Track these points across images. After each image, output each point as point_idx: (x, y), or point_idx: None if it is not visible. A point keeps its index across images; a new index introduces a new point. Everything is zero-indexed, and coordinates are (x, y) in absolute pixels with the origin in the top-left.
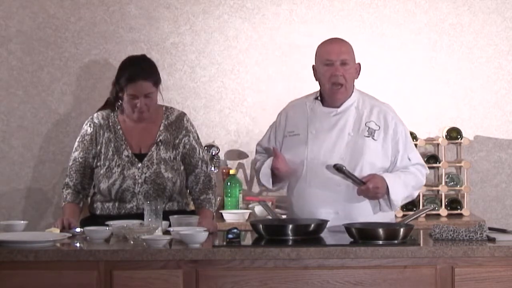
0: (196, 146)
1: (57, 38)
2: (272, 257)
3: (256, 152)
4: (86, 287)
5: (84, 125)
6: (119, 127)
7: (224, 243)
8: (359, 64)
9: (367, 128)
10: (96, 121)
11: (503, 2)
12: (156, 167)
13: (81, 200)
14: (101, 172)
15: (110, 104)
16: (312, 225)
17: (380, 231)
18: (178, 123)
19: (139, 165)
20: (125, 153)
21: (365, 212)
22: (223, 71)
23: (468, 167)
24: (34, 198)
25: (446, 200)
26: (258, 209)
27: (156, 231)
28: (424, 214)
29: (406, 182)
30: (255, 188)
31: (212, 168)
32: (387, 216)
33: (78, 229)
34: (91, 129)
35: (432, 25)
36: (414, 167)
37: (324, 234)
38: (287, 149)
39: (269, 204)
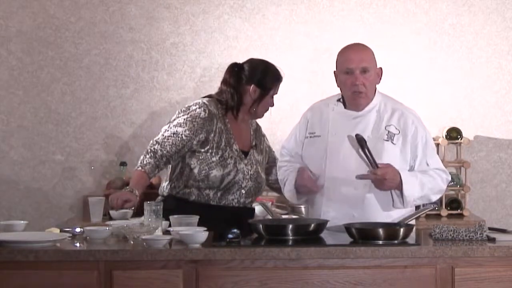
0: (270, 146)
1: (57, 38)
2: (272, 257)
3: (281, 155)
4: (86, 287)
5: (194, 106)
6: (227, 120)
7: (224, 243)
8: (380, 68)
9: (387, 132)
10: (211, 108)
11: (503, 2)
12: (256, 167)
13: (154, 175)
14: (213, 159)
15: (229, 108)
16: (312, 225)
17: (380, 231)
18: (259, 131)
19: (245, 161)
20: (235, 147)
21: (381, 215)
22: (223, 71)
23: (468, 167)
24: (34, 198)
25: (446, 200)
26: (258, 209)
27: (156, 231)
28: (424, 214)
29: (423, 182)
30: None
31: None
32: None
33: (78, 229)
34: (205, 114)
35: (432, 25)
36: (434, 171)
37: (324, 234)
38: (308, 150)
39: (269, 204)
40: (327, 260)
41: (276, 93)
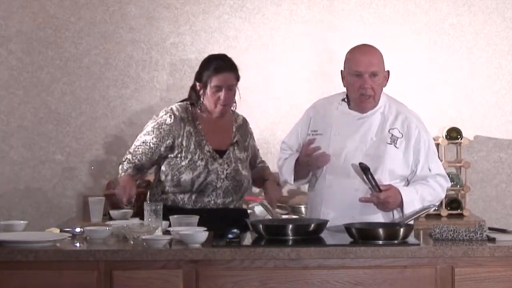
0: (257, 147)
1: (57, 38)
2: (272, 257)
3: (281, 149)
4: (86, 287)
5: (161, 113)
6: (198, 122)
7: (224, 243)
8: (388, 71)
9: (390, 135)
10: (176, 113)
11: (503, 2)
12: (235, 165)
13: (138, 178)
14: (183, 163)
15: (192, 104)
16: (312, 225)
17: (380, 231)
18: (245, 128)
19: (220, 161)
20: (206, 148)
21: (381, 215)
22: None
23: (468, 167)
24: (34, 198)
25: (446, 200)
26: (258, 209)
27: (156, 231)
28: (424, 214)
29: (423, 197)
30: (255, 188)
31: None
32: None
33: (78, 229)
34: (171, 120)
35: (432, 25)
36: (434, 179)
37: (324, 234)
38: None
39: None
40: (327, 260)
41: (221, 87)
